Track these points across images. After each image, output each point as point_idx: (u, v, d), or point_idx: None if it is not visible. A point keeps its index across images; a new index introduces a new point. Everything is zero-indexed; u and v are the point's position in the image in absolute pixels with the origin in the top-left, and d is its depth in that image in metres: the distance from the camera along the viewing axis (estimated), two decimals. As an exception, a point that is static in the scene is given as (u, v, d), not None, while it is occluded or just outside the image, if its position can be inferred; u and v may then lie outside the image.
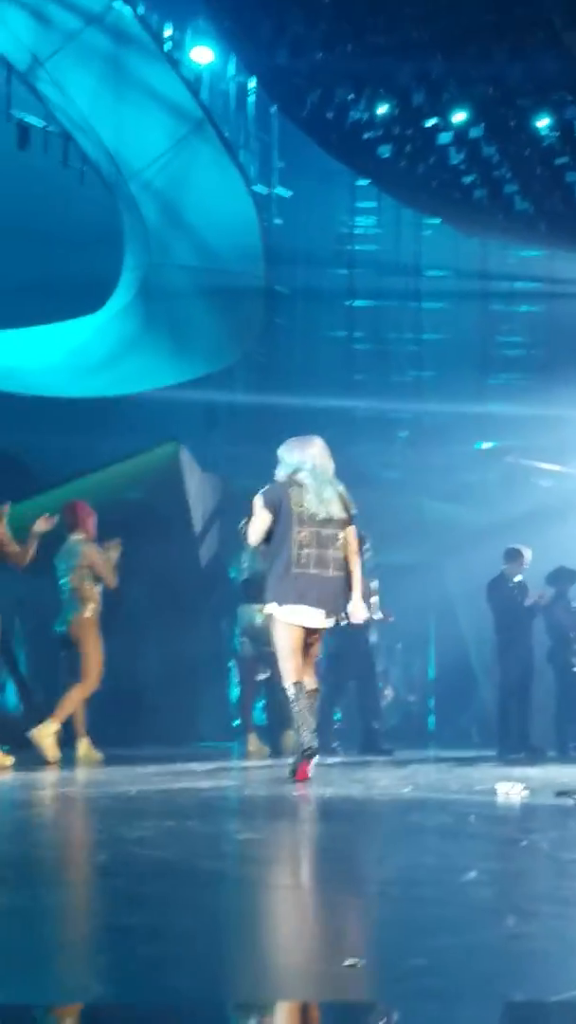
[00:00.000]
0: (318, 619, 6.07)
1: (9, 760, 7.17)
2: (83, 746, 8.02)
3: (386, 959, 2.06)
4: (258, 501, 6.23)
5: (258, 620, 8.86)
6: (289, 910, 2.59)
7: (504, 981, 1.86)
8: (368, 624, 8.95)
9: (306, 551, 6.06)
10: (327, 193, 14.54)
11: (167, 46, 12.07)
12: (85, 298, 12.82)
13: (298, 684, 5.97)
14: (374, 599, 9.68)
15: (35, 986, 1.83)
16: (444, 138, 11.86)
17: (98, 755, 7.93)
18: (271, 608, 6.10)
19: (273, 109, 13.45)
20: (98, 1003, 1.64)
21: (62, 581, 8.35)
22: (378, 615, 9.91)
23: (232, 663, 11.58)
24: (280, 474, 6.32)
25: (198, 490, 11.83)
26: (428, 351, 14.73)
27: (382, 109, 11.72)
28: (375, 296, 14.72)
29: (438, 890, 2.74)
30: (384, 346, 14.73)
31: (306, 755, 5.85)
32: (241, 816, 4.49)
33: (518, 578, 10.21)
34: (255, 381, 13.51)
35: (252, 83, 13.30)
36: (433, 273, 14.77)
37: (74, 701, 7.96)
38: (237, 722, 10.67)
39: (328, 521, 6.14)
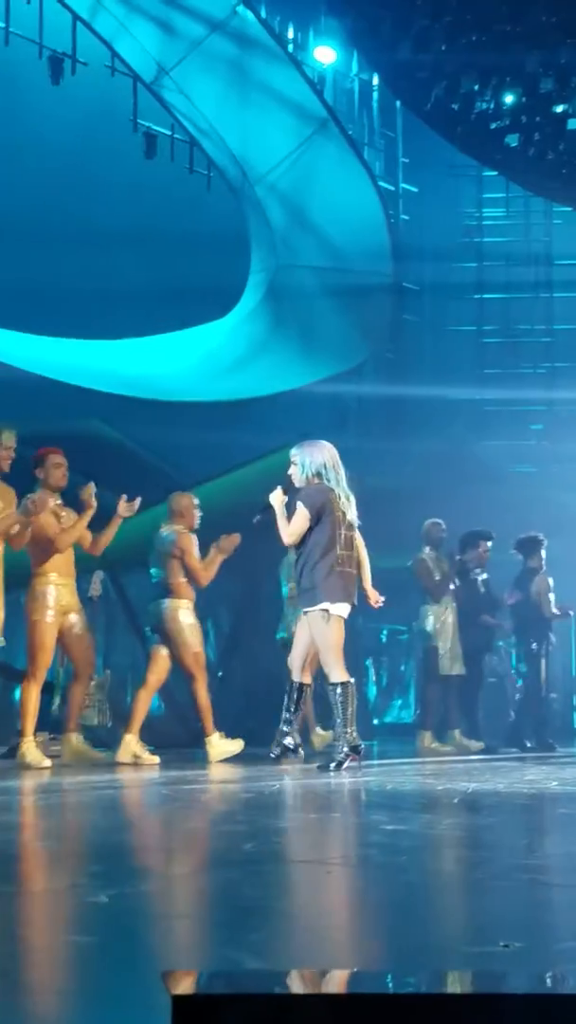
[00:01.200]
0: (349, 612, 6.60)
1: (155, 759, 7.28)
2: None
3: (538, 942, 2.02)
4: (304, 504, 6.51)
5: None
6: (439, 895, 2.57)
7: None
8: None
9: (344, 552, 6.54)
10: (454, 186, 14.44)
11: (290, 47, 12.15)
12: (214, 303, 12.98)
13: (349, 683, 6.43)
14: (551, 595, 9.72)
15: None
16: (573, 124, 11.65)
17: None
18: (327, 607, 6.41)
19: (397, 104, 13.42)
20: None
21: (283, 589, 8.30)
22: (556, 612, 9.81)
23: (368, 661, 11.57)
24: (298, 476, 6.67)
25: (330, 488, 11.83)
26: (561, 341, 14.48)
27: (509, 98, 11.58)
28: (505, 288, 14.54)
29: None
30: (515, 338, 14.54)
31: (357, 751, 6.35)
32: (386, 808, 4.47)
33: None
34: (385, 378, 13.47)
35: (375, 79, 13.29)
36: (564, 262, 14.52)
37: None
38: (377, 721, 10.65)
39: (350, 524, 6.61)
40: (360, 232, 12.84)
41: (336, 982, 1.56)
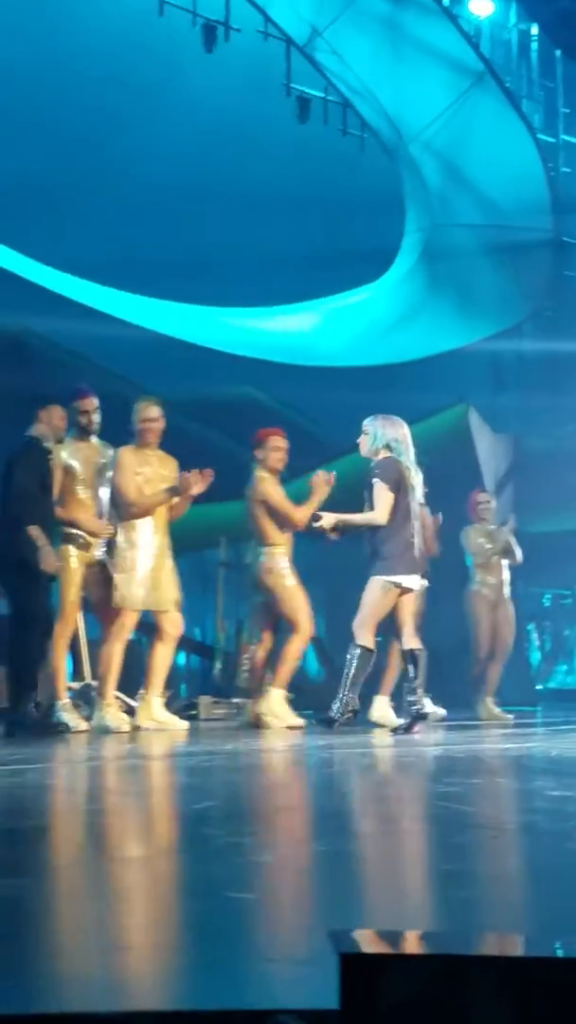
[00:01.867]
0: (419, 583, 6.90)
1: (301, 721, 7.30)
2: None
3: None
4: (382, 478, 6.67)
5: None
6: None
7: None
8: None
9: (417, 523, 6.79)
10: (616, 136, 13.95)
11: (445, 1, 11.90)
12: (369, 266, 12.89)
13: (371, 651, 6.66)
14: None
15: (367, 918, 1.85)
16: None
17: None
18: (399, 580, 6.64)
19: (557, 54, 13.02)
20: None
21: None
22: None
23: (531, 626, 11.38)
24: (368, 446, 6.82)
25: (489, 451, 11.66)
26: None
27: None
28: None
29: None
30: None
31: (347, 716, 6.57)
32: (551, 774, 4.39)
33: None
34: (545, 337, 13.15)
35: (534, 29, 12.91)
36: None
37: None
38: (540, 686, 10.48)
39: (418, 499, 6.88)
40: (518, 187, 12.54)
41: (504, 945, 1.54)
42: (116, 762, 5.03)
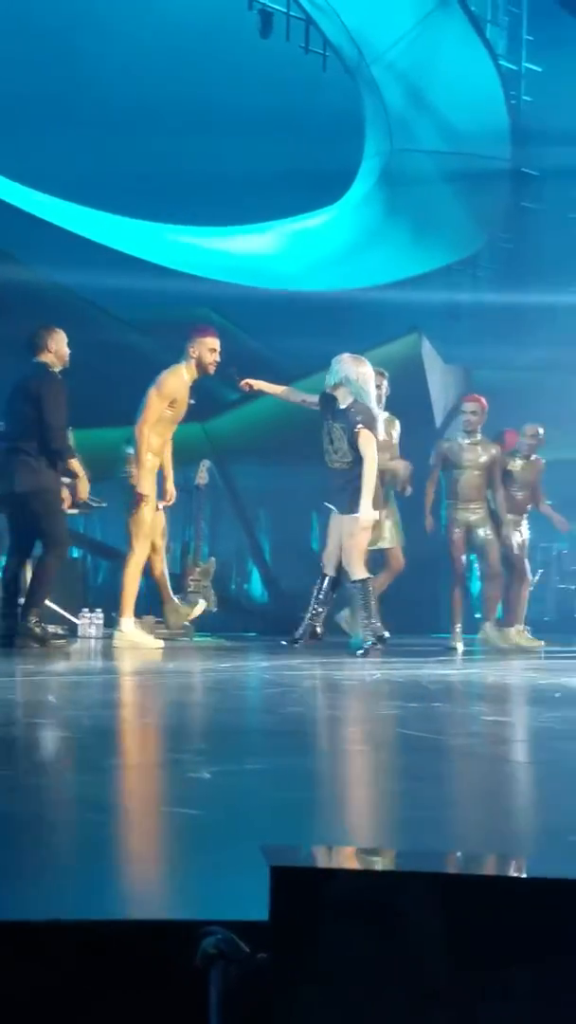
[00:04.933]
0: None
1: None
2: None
3: None
4: (365, 425, 6.97)
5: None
6: (539, 784, 2.57)
7: None
8: None
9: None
10: (580, 66, 13.78)
11: None
12: (326, 188, 12.73)
13: (369, 578, 7.06)
14: None
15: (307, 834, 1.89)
16: None
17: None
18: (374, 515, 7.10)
19: (523, -22, 12.80)
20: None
21: None
22: None
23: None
24: (327, 380, 7.13)
25: (440, 381, 11.67)
26: None
27: None
28: (630, 174, 13.94)
29: None
30: None
31: (382, 640, 6.92)
32: (487, 700, 4.48)
33: None
34: (500, 268, 13.11)
35: (501, -48, 12.69)
36: None
37: None
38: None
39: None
40: (479, 114, 12.40)
41: (435, 862, 1.57)
42: (73, 678, 5.06)
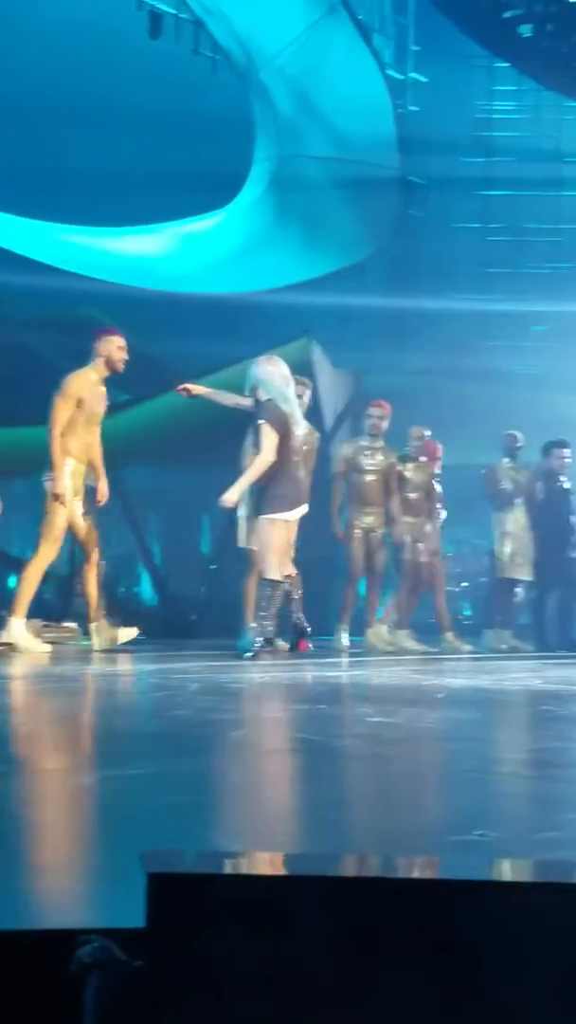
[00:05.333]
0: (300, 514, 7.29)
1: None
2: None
3: (517, 832, 2.05)
4: (269, 422, 6.99)
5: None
6: (419, 785, 2.61)
7: None
8: None
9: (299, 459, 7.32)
10: (464, 77, 14.03)
11: None
12: (216, 191, 12.73)
13: (279, 582, 7.02)
14: None
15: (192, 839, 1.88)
16: (589, 14, 11.31)
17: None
18: (280, 516, 7.05)
19: (411, -10, 12.97)
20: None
21: None
22: None
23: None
24: (258, 391, 7.10)
25: (329, 386, 11.74)
26: (568, 242, 14.23)
27: (524, -15, 11.22)
28: (513, 185, 14.24)
29: (571, 771, 2.71)
30: (522, 237, 14.28)
31: (270, 643, 6.98)
32: (372, 701, 4.53)
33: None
34: (388, 274, 13.27)
35: (388, -38, 12.84)
36: (574, 159, 14.20)
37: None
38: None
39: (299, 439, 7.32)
40: (367, 122, 12.53)
41: (316, 865, 1.58)
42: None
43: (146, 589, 11.40)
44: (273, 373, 7.14)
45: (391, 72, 13.02)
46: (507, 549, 9.71)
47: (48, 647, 7.19)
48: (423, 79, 13.60)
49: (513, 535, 9.73)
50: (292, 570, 7.25)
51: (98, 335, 7.47)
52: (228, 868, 1.52)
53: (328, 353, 11.68)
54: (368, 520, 9.01)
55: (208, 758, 2.91)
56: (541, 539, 9.76)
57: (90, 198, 11.40)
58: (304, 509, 7.28)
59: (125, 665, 6.42)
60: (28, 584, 7.23)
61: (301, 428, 7.30)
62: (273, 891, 1.32)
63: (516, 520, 9.78)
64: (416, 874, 1.48)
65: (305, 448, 7.52)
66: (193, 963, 1.23)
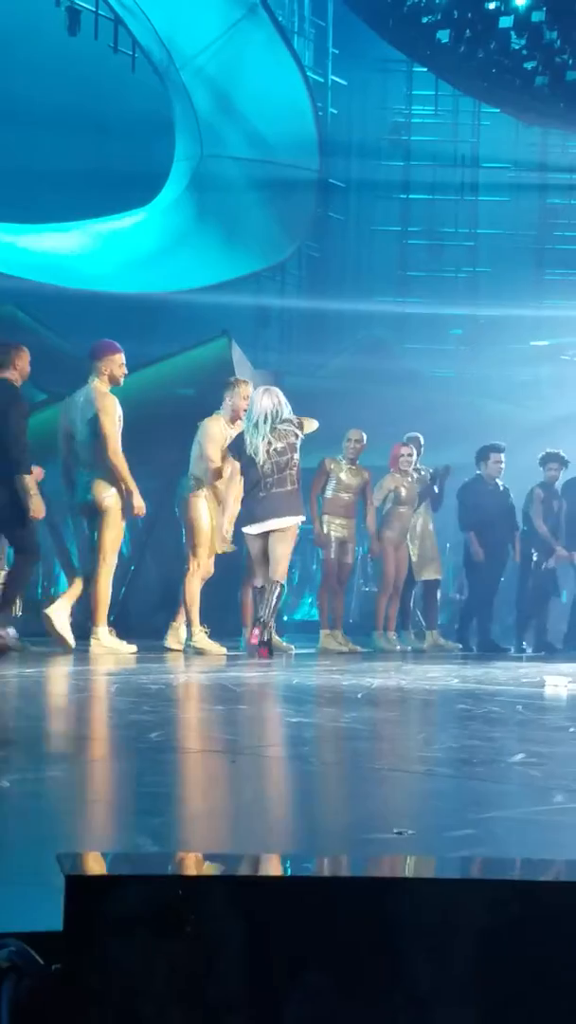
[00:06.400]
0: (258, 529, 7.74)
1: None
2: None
3: (434, 829, 2.07)
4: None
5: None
6: (338, 784, 2.62)
7: (553, 850, 1.87)
8: None
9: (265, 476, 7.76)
10: (383, 81, 14.15)
11: None
12: (136, 190, 12.66)
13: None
14: None
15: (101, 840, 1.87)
16: (505, 22, 11.44)
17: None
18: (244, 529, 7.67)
19: (329, -8, 13.03)
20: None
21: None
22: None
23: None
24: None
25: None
26: (484, 246, 14.42)
27: (441, -9, 11.33)
28: (431, 189, 14.40)
29: (487, 769, 2.75)
30: (439, 241, 14.44)
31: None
32: (290, 702, 4.54)
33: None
34: (308, 276, 13.32)
35: (308, -36, 12.89)
36: (491, 165, 14.40)
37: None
38: (287, 618, 10.73)
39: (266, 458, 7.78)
40: (287, 124, 12.56)
41: (232, 865, 1.58)
42: None
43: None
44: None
45: (311, 74, 13.07)
46: (415, 551, 9.93)
47: (134, 647, 7.41)
48: (343, 82, 13.68)
49: (421, 537, 9.95)
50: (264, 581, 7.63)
51: (102, 353, 7.56)
52: (146, 869, 1.52)
53: (248, 353, 11.68)
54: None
55: (126, 760, 2.89)
56: (483, 543, 9.94)
57: (9, 195, 11.26)
58: (260, 526, 7.63)
59: (42, 667, 6.36)
60: (103, 594, 7.62)
61: (262, 448, 7.63)
62: (191, 892, 1.31)
63: (424, 523, 10.00)
64: (333, 872, 1.49)
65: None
66: (111, 966, 1.22)
